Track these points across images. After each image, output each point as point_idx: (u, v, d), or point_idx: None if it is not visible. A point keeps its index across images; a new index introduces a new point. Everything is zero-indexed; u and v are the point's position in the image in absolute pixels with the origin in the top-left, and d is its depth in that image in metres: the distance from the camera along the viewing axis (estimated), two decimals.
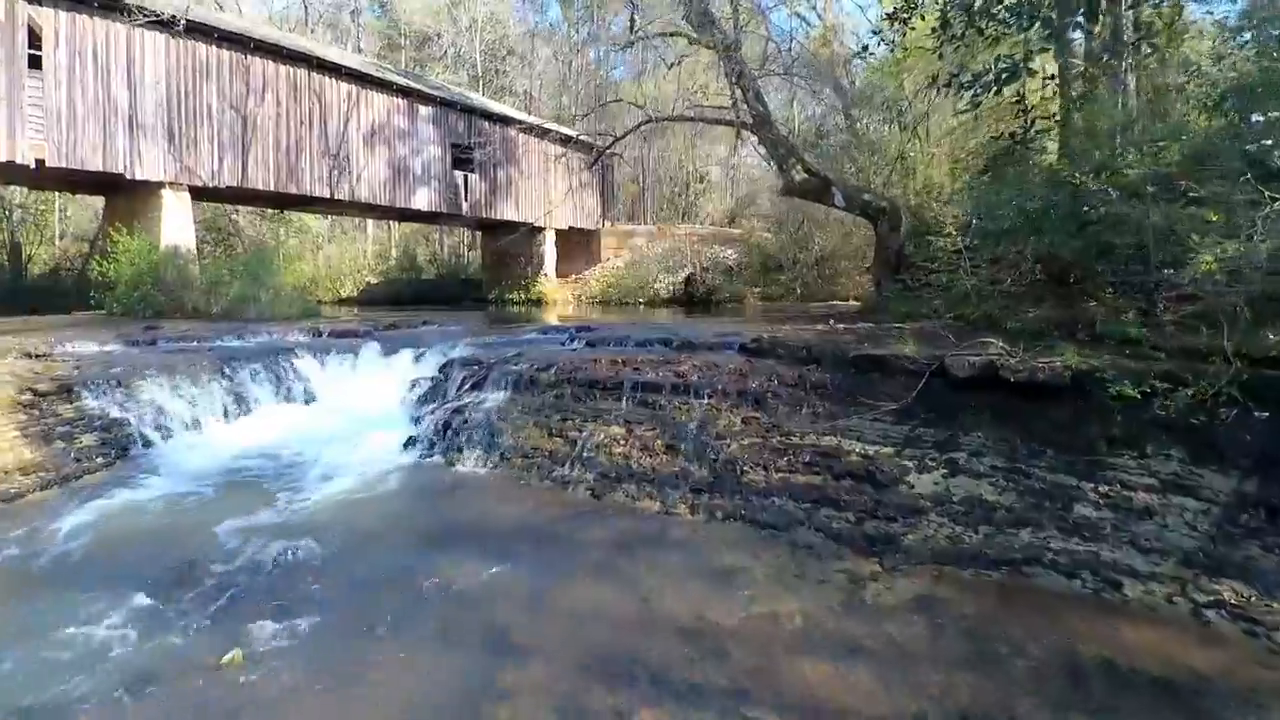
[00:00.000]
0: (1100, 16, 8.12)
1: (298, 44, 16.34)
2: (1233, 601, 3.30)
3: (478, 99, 22.71)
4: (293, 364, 7.77)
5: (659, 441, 5.44)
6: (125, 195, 13.83)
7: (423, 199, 18.37)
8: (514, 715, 2.63)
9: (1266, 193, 4.11)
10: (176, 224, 13.25)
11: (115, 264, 12.14)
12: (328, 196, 16.08)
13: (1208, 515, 3.68)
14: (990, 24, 8.51)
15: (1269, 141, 5.13)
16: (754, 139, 13.87)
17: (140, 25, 11.86)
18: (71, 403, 5.97)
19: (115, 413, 6.07)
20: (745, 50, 11.45)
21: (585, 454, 5.53)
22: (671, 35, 13.74)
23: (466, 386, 6.88)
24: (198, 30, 13.19)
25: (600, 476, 5.29)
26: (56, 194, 21.30)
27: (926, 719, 2.62)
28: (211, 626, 3.19)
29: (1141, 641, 3.12)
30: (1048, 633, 3.18)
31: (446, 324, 11.47)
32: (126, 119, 12.41)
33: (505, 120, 20.68)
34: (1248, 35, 6.83)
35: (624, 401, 5.97)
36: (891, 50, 12.25)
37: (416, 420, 6.61)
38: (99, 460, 5.64)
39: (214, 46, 13.63)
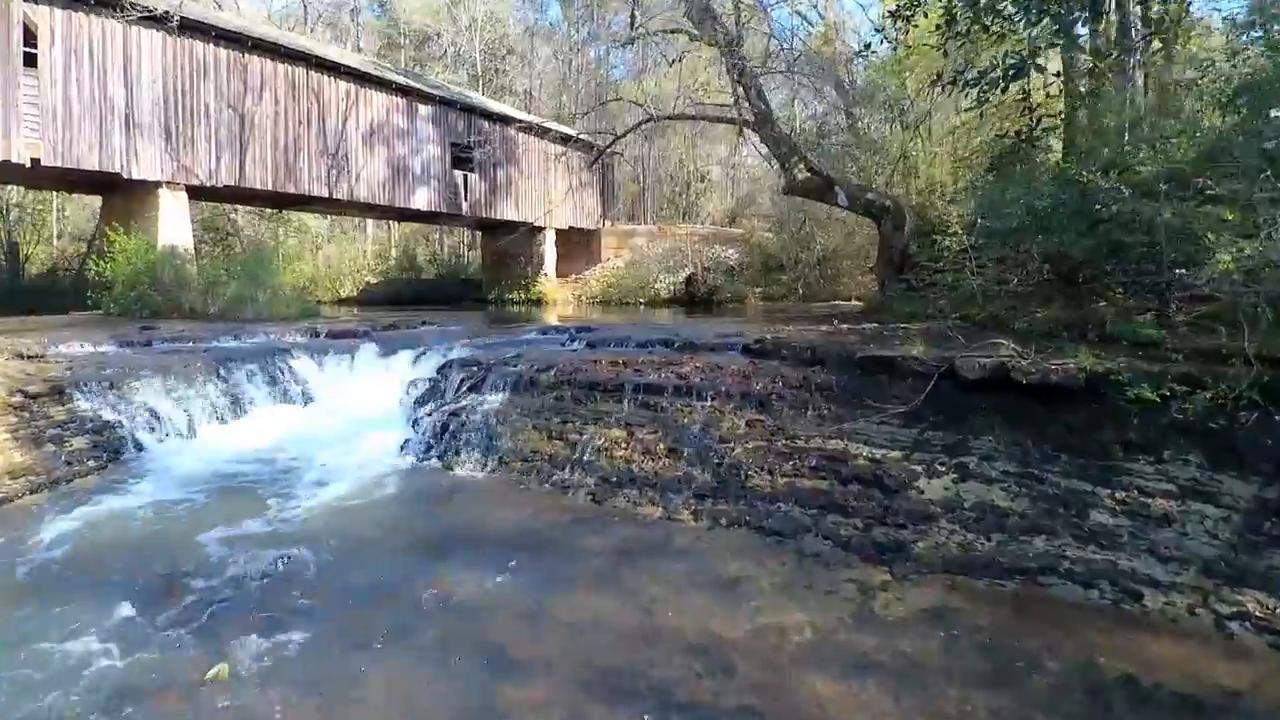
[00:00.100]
0: (1104, 15, 8.02)
1: (296, 42, 16.24)
2: (1257, 613, 3.18)
3: (477, 98, 22.60)
4: (289, 365, 7.66)
5: (661, 445, 5.32)
6: (122, 195, 13.72)
7: (422, 198, 18.26)
8: None
9: None
10: (173, 223, 13.15)
11: (112, 264, 12.04)
12: (326, 196, 15.98)
13: (1228, 523, 3.57)
14: (996, 20, 8.40)
15: None
16: (755, 138, 13.74)
17: (134, 21, 11.72)
18: (63, 405, 5.87)
19: (107, 415, 5.97)
20: (746, 48, 11.31)
21: (585, 457, 5.42)
22: (672, 32, 13.62)
23: (465, 388, 6.76)
24: (195, 28, 13.08)
25: (601, 481, 5.17)
26: (54, 193, 21.21)
27: None
28: (197, 640, 3.07)
29: (1164, 655, 3.00)
30: (1066, 646, 3.06)
31: (446, 324, 11.37)
32: (123, 118, 12.30)
33: (505, 119, 20.56)
34: (1259, 31, 6.71)
35: (625, 404, 5.86)
36: (894, 48, 12.14)
37: (414, 422, 6.50)
38: (90, 464, 5.53)
39: (211, 45, 13.53)
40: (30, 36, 11.15)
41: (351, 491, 5.17)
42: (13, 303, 14.69)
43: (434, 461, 5.91)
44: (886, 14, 10.90)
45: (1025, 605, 3.44)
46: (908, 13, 9.62)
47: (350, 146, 16.29)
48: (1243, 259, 4.01)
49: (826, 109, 20.13)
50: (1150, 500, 3.76)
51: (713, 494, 4.80)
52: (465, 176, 19.36)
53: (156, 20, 12.09)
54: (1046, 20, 7.93)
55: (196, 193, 14.14)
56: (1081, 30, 8.36)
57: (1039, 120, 8.62)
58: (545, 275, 22.30)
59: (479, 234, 25.41)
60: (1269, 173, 4.32)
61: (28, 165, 11.24)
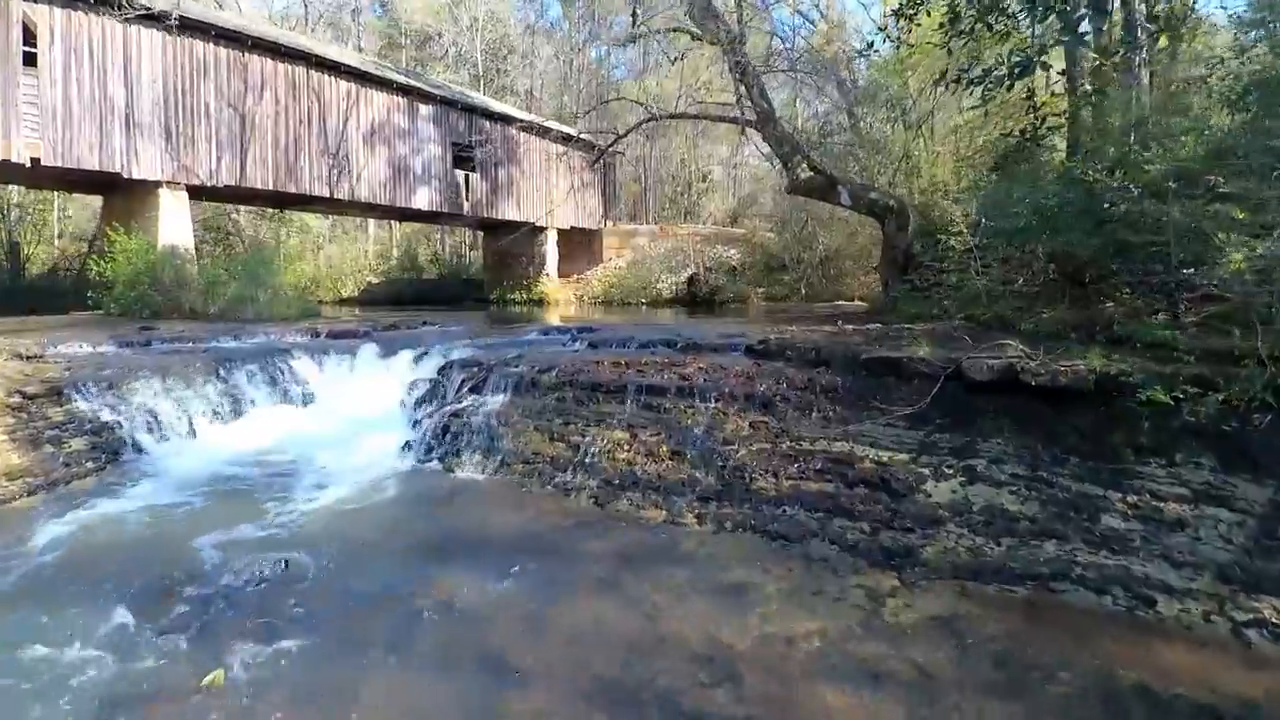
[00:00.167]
0: (1109, 13, 7.95)
1: (296, 42, 16.18)
2: (1274, 620, 3.11)
3: (478, 98, 22.54)
4: (290, 365, 7.60)
5: (664, 447, 5.26)
6: (123, 195, 13.68)
7: (423, 198, 18.20)
8: None
9: None
10: (174, 223, 13.10)
11: (112, 264, 12.00)
12: (327, 196, 15.92)
13: (1243, 527, 3.50)
14: (1001, 18, 8.33)
15: None
16: (757, 137, 13.68)
17: (134, 21, 11.68)
18: (61, 406, 5.81)
19: (106, 416, 5.91)
20: (748, 47, 11.25)
21: (588, 460, 5.35)
22: (674, 31, 13.56)
23: (466, 389, 6.70)
24: (195, 28, 13.03)
25: (603, 483, 5.11)
26: (55, 193, 21.17)
27: None
28: (193, 646, 3.01)
29: (1180, 664, 2.94)
30: (1080, 655, 2.99)
31: (447, 324, 11.31)
32: (123, 117, 12.25)
33: (506, 119, 20.49)
34: (1263, 30, 6.65)
35: (627, 405, 5.79)
36: (897, 47, 12.07)
37: (415, 423, 6.44)
38: (88, 465, 5.48)
39: (211, 44, 13.47)
40: (30, 36, 11.10)
41: (351, 494, 5.11)
42: (13, 303, 14.65)
43: (435, 463, 5.85)
44: (889, 12, 10.83)
45: (1037, 612, 3.38)
46: (910, 11, 9.55)
47: (351, 146, 16.24)
48: (1255, 259, 3.96)
49: (829, 108, 20.09)
50: (1163, 504, 3.69)
51: (717, 497, 4.73)
52: (466, 176, 19.30)
53: (156, 19, 12.04)
54: (1051, 18, 7.86)
55: (197, 193, 14.08)
56: (1086, 28, 8.29)
57: (1043, 119, 8.55)
58: (547, 275, 22.24)
59: (480, 234, 25.35)
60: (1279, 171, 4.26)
61: (28, 165, 11.20)
